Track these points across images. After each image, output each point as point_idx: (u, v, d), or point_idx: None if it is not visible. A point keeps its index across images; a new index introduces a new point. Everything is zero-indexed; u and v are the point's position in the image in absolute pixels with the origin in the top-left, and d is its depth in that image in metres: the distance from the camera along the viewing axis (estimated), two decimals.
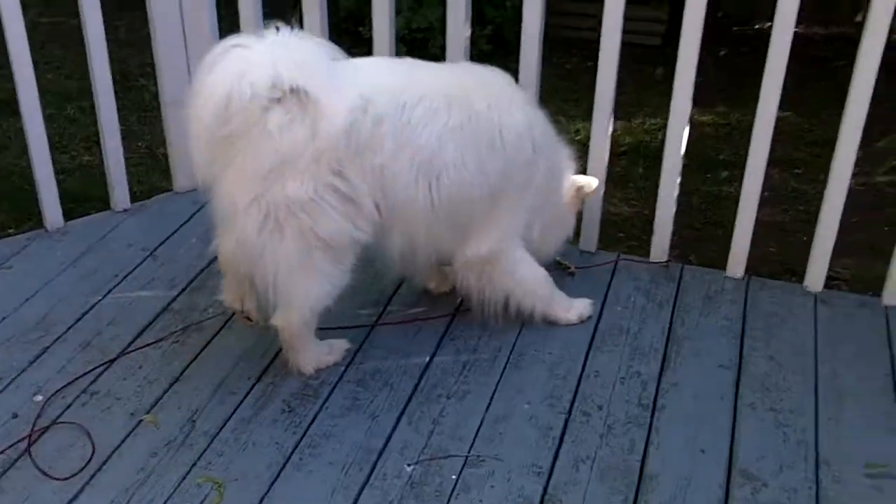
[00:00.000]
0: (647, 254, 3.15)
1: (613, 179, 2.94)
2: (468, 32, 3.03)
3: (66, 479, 2.20)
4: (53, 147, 3.22)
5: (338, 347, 2.63)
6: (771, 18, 2.78)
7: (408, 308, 2.86)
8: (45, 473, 2.21)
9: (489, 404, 2.49)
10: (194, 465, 2.25)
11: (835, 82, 2.87)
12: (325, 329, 2.62)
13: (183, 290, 2.90)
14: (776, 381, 2.61)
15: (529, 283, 2.71)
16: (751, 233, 3.01)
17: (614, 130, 3.10)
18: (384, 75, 2.43)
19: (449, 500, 2.18)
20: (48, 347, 2.64)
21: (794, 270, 3.26)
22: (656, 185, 3.10)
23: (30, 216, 3.50)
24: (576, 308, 2.82)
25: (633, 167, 4.43)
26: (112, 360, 2.58)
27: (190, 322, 2.74)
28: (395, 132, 2.32)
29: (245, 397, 2.47)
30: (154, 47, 3.24)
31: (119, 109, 3.27)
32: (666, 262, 3.11)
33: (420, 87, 2.40)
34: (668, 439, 2.40)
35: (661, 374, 2.62)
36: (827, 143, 2.88)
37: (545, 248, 2.82)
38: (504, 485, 2.23)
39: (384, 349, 2.68)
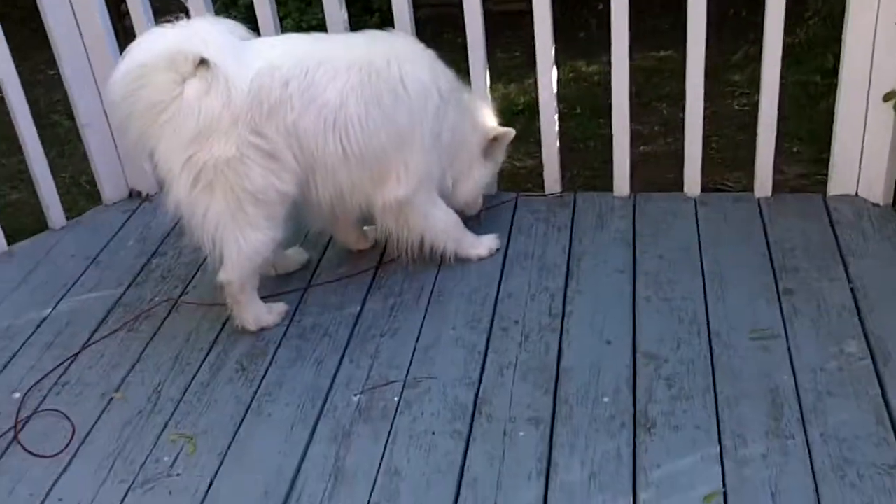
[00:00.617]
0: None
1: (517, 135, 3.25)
2: (345, 16, 3.33)
3: (54, 455, 2.45)
4: None
5: (277, 309, 2.92)
6: None
7: (335, 269, 3.15)
8: (34, 454, 2.46)
9: (419, 336, 2.80)
10: (166, 426, 2.53)
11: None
12: (262, 298, 2.92)
13: (129, 286, 3.16)
14: (667, 275, 2.97)
15: (441, 224, 3.02)
16: (628, 152, 3.37)
17: (509, 92, 3.45)
18: (290, 46, 2.77)
19: (394, 417, 2.50)
20: (16, 352, 2.88)
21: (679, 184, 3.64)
22: None
23: None
24: (484, 243, 3.14)
25: (530, 123, 4.79)
26: (76, 354, 2.84)
27: (140, 312, 3.01)
28: (301, 92, 2.63)
29: (201, 365, 2.75)
30: (63, 77, 3.47)
31: None
32: (560, 192, 3.46)
33: (321, 53, 2.74)
34: (577, 338, 2.73)
35: (566, 286, 2.96)
36: (709, 73, 3.24)
37: (461, 195, 3.11)
38: (441, 398, 2.55)
39: (319, 306, 2.97)
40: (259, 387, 2.64)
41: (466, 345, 2.75)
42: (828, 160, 3.34)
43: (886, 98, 3.04)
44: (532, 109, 5.10)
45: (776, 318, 2.73)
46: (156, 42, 2.56)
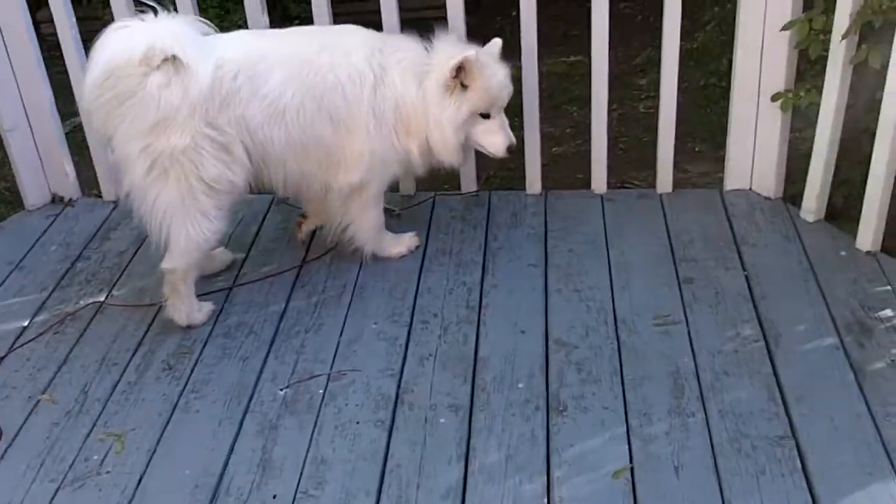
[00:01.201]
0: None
1: None
2: (266, 22, 3.41)
3: None
4: None
5: (205, 308, 2.99)
6: None
7: (259, 268, 3.23)
8: None
9: (342, 331, 2.90)
10: (94, 426, 2.57)
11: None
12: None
13: (53, 290, 3.18)
14: (576, 268, 3.14)
15: (370, 224, 3.13)
16: (539, 153, 3.53)
17: None
18: (241, 42, 2.87)
19: (320, 409, 2.59)
20: None
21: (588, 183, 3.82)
22: None
23: None
24: (404, 242, 3.26)
25: None
26: (2, 358, 2.85)
27: (65, 315, 3.04)
28: (247, 84, 2.75)
29: (128, 365, 2.80)
30: None
31: None
32: (475, 191, 3.60)
33: (266, 47, 2.86)
34: (493, 328, 2.87)
35: (482, 280, 3.10)
36: (616, 77, 3.41)
37: (437, 150, 3.00)
38: (364, 389, 2.66)
39: (244, 305, 3.05)
40: (186, 385, 2.71)
41: (388, 338, 2.86)
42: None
43: (774, 98, 3.27)
44: None
45: (677, 305, 2.92)
46: (130, 39, 2.63)
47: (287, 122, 2.81)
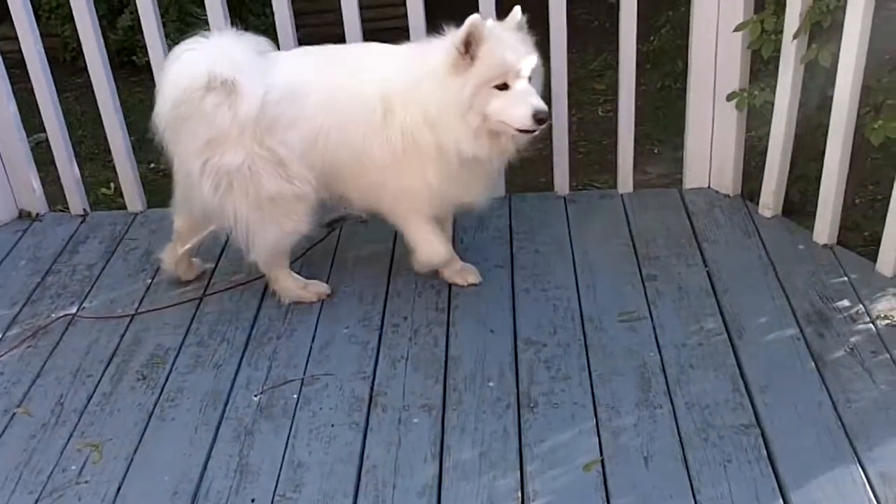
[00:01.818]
0: None
1: None
2: None
3: None
4: None
5: (313, 288, 3.12)
6: None
7: (230, 276, 3.25)
8: None
9: (314, 336, 2.94)
10: (71, 436, 2.58)
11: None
12: (157, 308, 3.02)
13: (24, 304, 3.18)
14: (542, 268, 3.20)
15: (420, 253, 3.04)
16: None
17: None
18: (292, 64, 2.89)
19: (294, 413, 2.63)
20: None
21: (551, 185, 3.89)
22: None
23: None
24: (471, 273, 3.14)
25: None
26: None
27: (37, 328, 3.04)
28: (288, 110, 2.77)
29: (102, 376, 2.81)
30: None
31: None
32: None
33: (309, 72, 2.86)
34: (463, 329, 2.93)
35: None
36: (575, 82, 3.48)
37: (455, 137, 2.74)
38: (338, 392, 2.70)
39: (215, 313, 3.07)
40: (161, 393, 2.72)
41: (360, 342, 2.90)
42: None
43: (729, 98, 3.37)
44: None
45: (642, 302, 3.00)
46: (195, 63, 2.71)
47: (319, 149, 2.82)
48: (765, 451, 2.39)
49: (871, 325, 2.81)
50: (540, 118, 2.62)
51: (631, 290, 3.07)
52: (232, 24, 3.48)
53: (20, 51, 3.46)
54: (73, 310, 3.13)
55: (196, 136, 2.74)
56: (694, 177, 3.61)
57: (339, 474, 2.42)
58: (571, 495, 2.32)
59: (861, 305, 2.89)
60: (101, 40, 3.47)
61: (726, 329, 2.85)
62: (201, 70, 2.69)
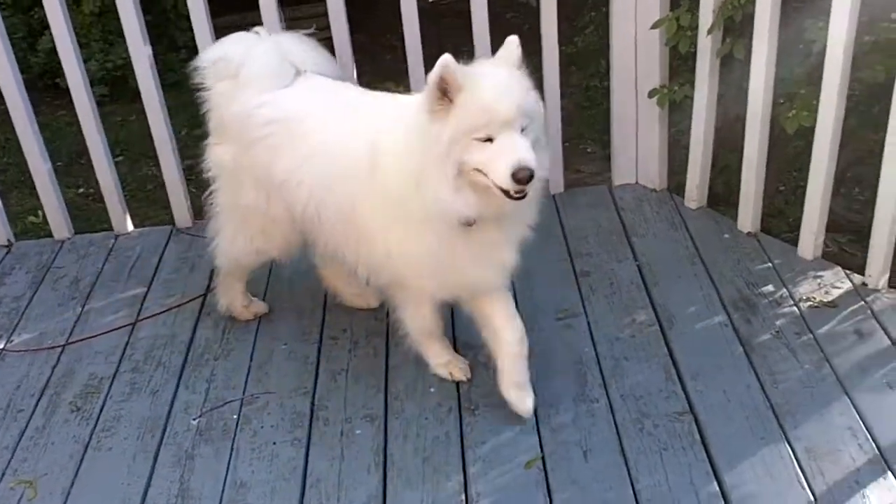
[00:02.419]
0: None
1: None
2: (149, 52, 3.41)
3: None
4: None
5: (253, 308, 3.09)
6: None
7: (163, 300, 3.21)
8: None
9: (252, 355, 2.92)
10: (3, 475, 2.53)
11: None
12: (84, 339, 2.97)
13: None
14: None
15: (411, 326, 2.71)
16: None
17: None
18: (305, 92, 2.65)
19: (235, 434, 2.61)
20: None
21: None
22: None
23: None
24: (451, 367, 2.76)
25: None
26: None
27: None
28: (275, 136, 2.59)
29: (34, 410, 2.75)
30: None
31: None
32: None
33: (308, 104, 2.61)
34: (403, 338, 2.90)
35: None
36: None
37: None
38: (279, 409, 2.69)
39: (150, 338, 3.03)
40: (96, 424, 2.68)
41: (299, 357, 2.89)
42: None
43: (651, 95, 3.44)
44: None
45: (576, 299, 3.04)
46: (239, 45, 2.70)
47: (301, 198, 2.57)
48: (698, 437, 2.45)
49: (794, 308, 2.90)
50: (519, 177, 2.12)
51: (566, 287, 3.11)
52: (159, 38, 3.45)
53: None
54: (1, 344, 3.06)
55: (209, 116, 2.77)
56: (622, 173, 3.68)
57: (283, 492, 2.41)
58: (514, 494, 2.34)
59: (785, 289, 2.98)
60: (15, 64, 3.39)
61: (658, 320, 2.90)
62: (222, 50, 2.70)
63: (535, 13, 3.54)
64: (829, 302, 2.91)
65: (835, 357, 2.69)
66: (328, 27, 3.38)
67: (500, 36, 3.41)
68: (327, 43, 3.18)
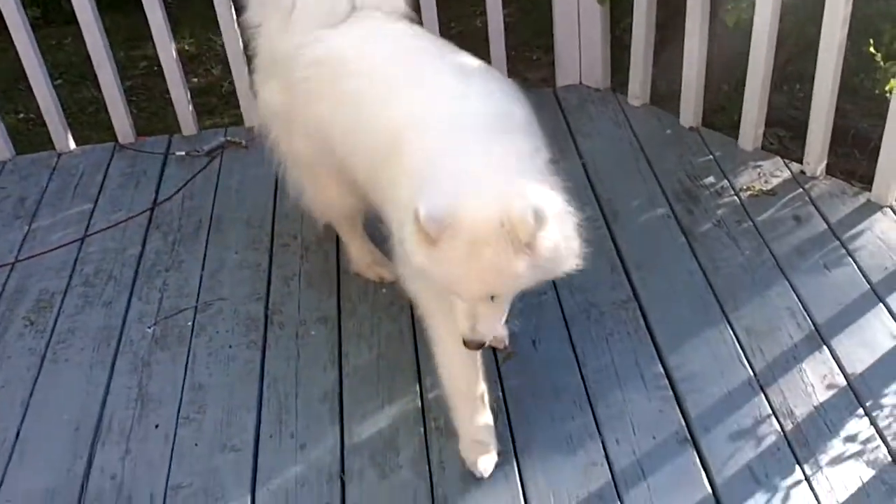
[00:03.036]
0: None
1: None
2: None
3: None
4: None
5: (379, 269, 2.77)
6: None
7: (109, 216, 3.19)
8: None
9: (203, 264, 2.93)
10: None
11: None
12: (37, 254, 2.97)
13: None
14: None
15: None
16: None
17: None
18: (359, 32, 2.40)
19: (191, 340, 2.64)
20: None
21: None
22: None
23: None
24: None
25: None
26: None
27: None
28: (312, 81, 2.37)
29: None
30: None
31: None
32: None
33: (367, 53, 2.35)
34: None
35: None
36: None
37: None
38: (233, 315, 2.72)
39: (99, 252, 3.02)
40: (51, 337, 2.69)
41: (251, 264, 2.91)
42: None
43: None
44: None
45: None
46: None
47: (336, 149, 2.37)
48: (643, 322, 2.54)
49: (735, 198, 2.98)
50: (469, 347, 1.96)
51: None
52: None
53: None
54: None
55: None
56: (566, 74, 3.69)
57: (241, 391, 2.46)
58: None
59: (726, 180, 3.06)
60: None
61: (603, 216, 2.96)
62: None
63: None
64: (768, 190, 2.99)
65: (774, 242, 2.78)
66: None
67: None
68: None
